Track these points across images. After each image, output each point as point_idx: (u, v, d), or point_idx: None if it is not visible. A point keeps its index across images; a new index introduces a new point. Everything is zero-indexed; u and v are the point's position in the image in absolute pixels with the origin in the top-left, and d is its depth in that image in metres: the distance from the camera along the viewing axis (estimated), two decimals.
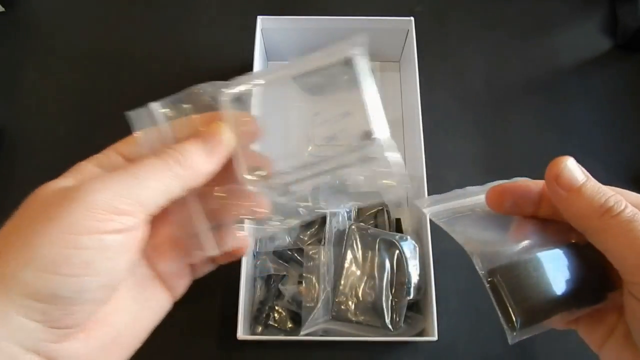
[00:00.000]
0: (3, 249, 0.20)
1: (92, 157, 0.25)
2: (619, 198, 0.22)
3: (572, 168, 0.23)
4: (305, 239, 0.55)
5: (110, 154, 0.25)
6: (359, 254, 0.51)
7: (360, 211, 0.57)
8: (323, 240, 0.53)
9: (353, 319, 0.49)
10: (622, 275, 0.22)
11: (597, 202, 0.22)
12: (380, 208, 0.57)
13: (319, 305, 0.50)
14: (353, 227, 0.52)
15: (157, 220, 0.24)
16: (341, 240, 0.52)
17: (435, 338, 0.48)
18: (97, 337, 0.23)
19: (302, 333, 0.49)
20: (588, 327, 0.26)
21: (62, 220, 0.20)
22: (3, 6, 0.71)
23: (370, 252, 0.51)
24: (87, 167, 0.24)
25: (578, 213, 0.23)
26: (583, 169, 0.24)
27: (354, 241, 0.52)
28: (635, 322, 0.22)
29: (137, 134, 0.25)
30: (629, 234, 0.21)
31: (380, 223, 0.56)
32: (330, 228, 0.53)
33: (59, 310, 0.20)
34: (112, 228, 0.21)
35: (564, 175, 0.23)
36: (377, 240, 0.52)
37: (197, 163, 0.23)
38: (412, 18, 0.60)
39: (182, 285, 0.28)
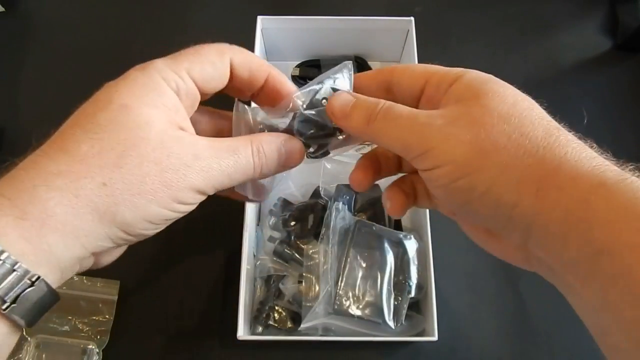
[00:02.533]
0: (117, 190, 0.24)
1: (169, 74, 0.27)
2: (374, 103, 0.27)
3: (339, 99, 0.28)
4: (299, 232, 0.55)
5: (188, 83, 0.27)
6: (363, 251, 0.51)
7: (356, 201, 0.57)
8: (322, 235, 0.53)
9: (354, 313, 0.49)
10: (405, 159, 0.26)
11: (362, 116, 0.27)
12: (378, 196, 0.57)
13: (320, 299, 0.50)
14: (358, 224, 0.52)
15: None
16: (345, 236, 0.52)
17: (435, 338, 0.48)
18: (113, 255, 0.29)
19: (302, 327, 0.49)
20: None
21: (176, 191, 0.25)
22: (3, 6, 0.71)
23: (374, 249, 0.52)
24: (172, 98, 0.26)
25: (357, 130, 0.27)
26: (352, 93, 0.28)
27: (359, 237, 0.52)
28: (427, 185, 0.27)
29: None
30: (388, 129, 0.26)
31: (378, 213, 0.56)
32: (335, 224, 0.53)
33: (132, 240, 0.26)
34: (192, 202, 0.26)
35: (335, 108, 0.28)
36: (381, 238, 0.52)
37: (271, 170, 0.29)
38: (412, 18, 0.60)
39: None
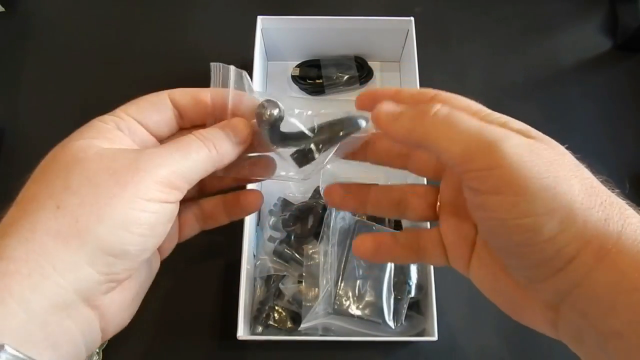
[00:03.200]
0: (72, 206, 0.22)
1: (107, 117, 0.26)
2: (430, 105, 0.24)
3: (384, 105, 0.26)
4: (299, 232, 0.55)
5: (128, 121, 0.26)
6: None
7: None
8: (322, 235, 0.53)
9: (354, 313, 0.49)
10: (455, 170, 0.23)
11: (415, 113, 0.24)
12: None
13: (320, 299, 0.50)
14: (358, 223, 0.52)
15: None
16: (345, 236, 0.52)
17: (435, 338, 0.48)
18: (129, 289, 0.26)
19: (302, 326, 0.49)
20: (452, 249, 0.28)
21: (134, 186, 0.23)
22: (3, 6, 0.71)
23: None
24: (112, 131, 0.26)
25: (408, 131, 0.24)
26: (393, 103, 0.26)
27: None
28: (478, 213, 0.23)
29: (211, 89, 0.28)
30: (450, 130, 0.22)
31: None
32: (335, 224, 0.53)
33: (122, 265, 0.23)
34: (168, 199, 0.24)
35: (382, 113, 0.25)
36: None
37: (227, 151, 0.27)
38: (412, 18, 0.60)
39: (170, 247, 0.31)
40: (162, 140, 0.28)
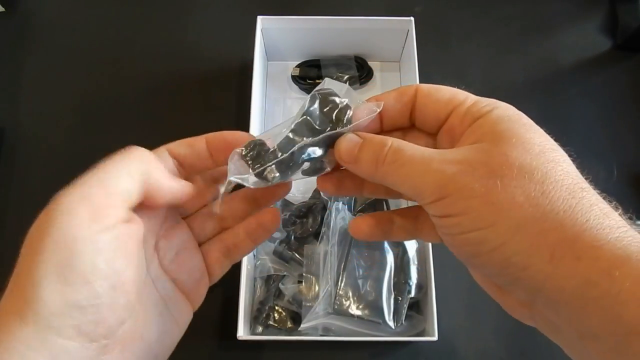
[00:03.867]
0: (17, 274, 0.21)
1: (125, 201, 0.24)
2: (381, 144, 0.25)
3: (345, 143, 0.26)
4: (299, 232, 0.55)
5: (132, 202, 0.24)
6: (363, 251, 0.51)
7: (357, 201, 0.57)
8: (322, 235, 0.53)
9: (354, 313, 0.49)
10: (420, 204, 0.25)
11: (370, 159, 0.25)
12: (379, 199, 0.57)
13: (320, 299, 0.50)
14: None
15: (170, 228, 0.28)
16: (345, 236, 0.52)
17: (435, 338, 0.48)
18: (132, 351, 0.24)
19: (302, 326, 0.49)
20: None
21: (53, 235, 0.21)
22: (3, 6, 0.71)
23: (373, 249, 0.52)
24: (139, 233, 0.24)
25: (367, 175, 0.26)
26: (359, 133, 0.26)
27: None
28: (438, 230, 0.25)
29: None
30: (398, 174, 0.24)
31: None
32: (335, 224, 0.53)
33: (88, 321, 0.21)
34: (99, 228, 0.22)
35: (342, 155, 0.26)
36: None
37: (165, 188, 0.25)
38: (412, 18, 0.60)
39: (201, 293, 0.31)
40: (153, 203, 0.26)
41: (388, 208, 0.57)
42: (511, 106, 0.25)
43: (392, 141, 0.25)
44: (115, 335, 0.23)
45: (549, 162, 0.22)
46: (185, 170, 0.28)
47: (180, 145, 0.28)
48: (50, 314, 0.20)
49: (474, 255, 0.23)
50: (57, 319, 0.20)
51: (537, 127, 0.25)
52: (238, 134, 0.28)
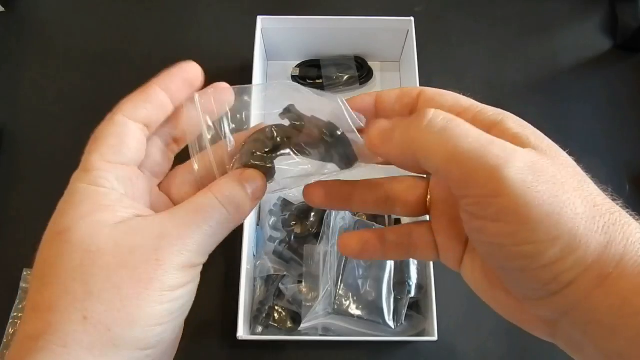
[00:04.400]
0: (100, 314, 0.21)
1: (85, 175, 0.23)
2: (426, 111, 0.22)
3: (376, 127, 0.24)
4: (299, 232, 0.55)
5: (113, 170, 0.24)
6: None
7: None
8: (322, 235, 0.53)
9: (354, 313, 0.49)
10: (453, 191, 0.22)
11: (410, 125, 0.22)
12: None
13: (320, 299, 0.50)
14: (358, 224, 0.52)
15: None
16: None
17: (435, 338, 0.48)
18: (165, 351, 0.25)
19: (302, 326, 0.49)
20: (444, 248, 0.27)
21: (158, 281, 0.22)
22: (3, 6, 0.71)
23: None
24: (106, 195, 0.23)
25: (404, 147, 0.23)
26: (386, 121, 0.24)
27: None
28: (474, 235, 0.22)
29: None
30: (447, 146, 0.21)
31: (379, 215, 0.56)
32: (335, 224, 0.53)
33: (160, 351, 0.23)
34: (189, 280, 0.23)
35: (374, 136, 0.24)
36: None
37: (246, 210, 0.25)
38: (412, 18, 0.60)
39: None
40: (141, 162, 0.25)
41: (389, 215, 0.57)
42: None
43: (434, 112, 0.22)
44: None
45: (584, 176, 0.21)
46: (151, 128, 0.26)
47: (138, 107, 0.25)
48: (135, 349, 0.22)
49: (520, 269, 0.21)
50: (138, 352, 0.22)
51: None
52: (192, 69, 0.26)
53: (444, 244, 0.27)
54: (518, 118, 0.23)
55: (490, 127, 0.23)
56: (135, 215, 0.23)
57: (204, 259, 0.24)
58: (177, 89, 0.26)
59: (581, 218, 0.20)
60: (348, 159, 0.25)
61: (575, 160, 0.23)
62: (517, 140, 0.21)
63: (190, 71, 0.26)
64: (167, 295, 0.22)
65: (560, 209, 0.19)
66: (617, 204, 0.21)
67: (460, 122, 0.21)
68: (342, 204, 0.28)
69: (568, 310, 0.21)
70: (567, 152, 0.23)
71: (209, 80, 0.28)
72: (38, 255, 0.23)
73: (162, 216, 0.23)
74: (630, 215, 0.21)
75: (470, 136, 0.20)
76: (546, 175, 0.20)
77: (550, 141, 0.22)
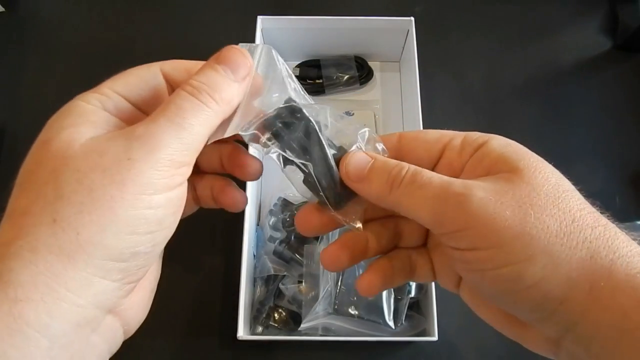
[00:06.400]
0: (69, 217, 0.20)
1: (89, 95, 0.24)
2: (399, 167, 0.23)
3: (355, 160, 0.24)
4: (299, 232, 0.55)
5: (115, 99, 0.24)
6: None
7: None
8: (321, 235, 0.53)
9: (354, 313, 0.49)
10: (433, 232, 0.24)
11: (383, 180, 0.24)
12: None
13: (320, 299, 0.50)
14: None
15: None
16: None
17: (435, 338, 0.48)
18: (144, 288, 0.25)
19: (302, 326, 0.49)
20: (440, 273, 0.27)
21: (135, 182, 0.20)
22: (3, 6, 0.71)
23: None
24: (96, 112, 0.23)
25: (376, 196, 0.24)
26: (369, 153, 0.25)
27: None
28: (459, 266, 0.23)
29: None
30: (416, 197, 0.23)
31: None
32: None
33: (136, 267, 0.22)
34: (177, 182, 0.22)
35: (350, 171, 0.24)
36: None
37: (230, 94, 0.24)
38: (412, 18, 0.60)
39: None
40: (143, 109, 0.25)
41: None
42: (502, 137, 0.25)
43: (407, 165, 0.23)
44: (141, 277, 0.23)
45: (566, 191, 0.22)
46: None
47: (178, 70, 0.25)
48: (106, 258, 0.20)
49: (508, 292, 0.21)
50: (111, 263, 0.20)
51: (537, 155, 0.24)
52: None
53: (440, 269, 0.27)
54: (503, 138, 0.24)
55: (477, 148, 0.24)
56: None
57: (189, 159, 0.22)
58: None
59: (555, 235, 0.20)
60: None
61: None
62: (501, 159, 0.23)
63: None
64: (144, 200, 0.21)
65: (530, 229, 0.20)
66: (606, 216, 0.21)
67: (421, 172, 0.23)
68: (362, 255, 0.28)
69: (569, 327, 0.21)
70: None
71: None
72: (22, 166, 0.23)
73: (136, 124, 0.22)
74: (620, 226, 0.21)
75: (433, 179, 0.22)
76: (512, 199, 0.21)
77: (532, 157, 0.23)
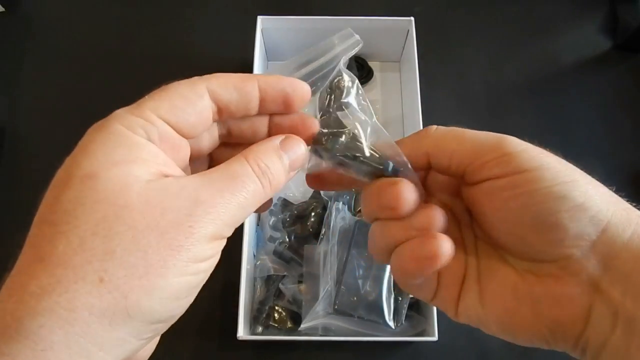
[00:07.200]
0: (118, 279, 0.19)
1: (132, 119, 0.21)
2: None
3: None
4: (299, 232, 0.55)
5: (156, 122, 0.22)
6: (363, 251, 0.51)
7: (357, 201, 0.57)
8: (322, 235, 0.53)
9: (354, 313, 0.49)
10: (469, 169, 0.24)
11: (414, 135, 0.25)
12: None
13: (320, 299, 0.50)
14: (358, 223, 0.52)
15: None
16: (345, 236, 0.52)
17: (435, 338, 0.48)
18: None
19: (302, 326, 0.49)
20: (440, 297, 0.26)
21: (189, 251, 0.20)
22: (3, 6, 0.71)
23: None
24: (145, 147, 0.21)
25: (415, 147, 0.25)
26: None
27: (360, 237, 0.52)
28: (503, 194, 0.23)
29: None
30: (448, 137, 0.24)
31: None
32: (335, 224, 0.53)
33: (166, 327, 0.21)
34: (214, 253, 0.22)
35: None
36: None
37: (283, 183, 0.24)
38: (412, 18, 0.60)
39: None
40: (188, 134, 0.23)
41: None
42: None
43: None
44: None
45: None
46: (221, 116, 0.24)
47: (227, 88, 0.23)
48: (147, 322, 0.20)
49: (556, 211, 0.22)
50: (149, 325, 0.20)
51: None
52: (299, 86, 0.25)
53: (445, 280, 0.26)
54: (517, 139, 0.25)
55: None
56: (168, 175, 0.21)
57: (231, 233, 0.22)
58: (274, 98, 0.24)
59: (590, 180, 0.22)
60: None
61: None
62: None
63: (297, 91, 0.25)
64: (192, 267, 0.20)
65: (566, 164, 0.23)
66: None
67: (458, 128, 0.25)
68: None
69: (609, 263, 0.21)
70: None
71: None
72: (50, 194, 0.20)
73: (196, 179, 0.21)
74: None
75: (470, 130, 0.24)
76: (543, 150, 0.23)
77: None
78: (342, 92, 0.26)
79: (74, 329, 0.18)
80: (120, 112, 0.22)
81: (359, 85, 0.27)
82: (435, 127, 0.25)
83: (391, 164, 0.25)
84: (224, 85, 0.23)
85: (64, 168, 0.21)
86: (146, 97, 0.23)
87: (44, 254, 0.19)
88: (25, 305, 0.18)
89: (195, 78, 0.24)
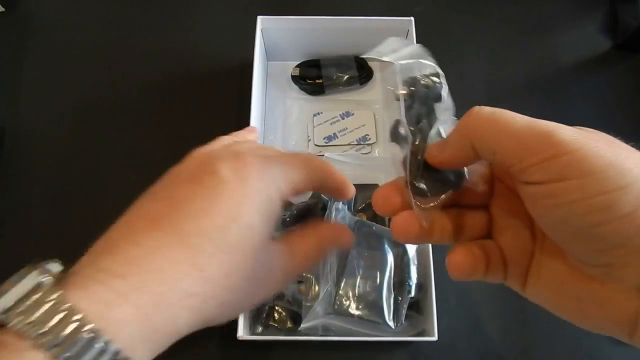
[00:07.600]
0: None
1: (271, 185, 0.26)
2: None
3: (434, 144, 0.26)
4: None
5: (288, 196, 0.27)
6: (363, 251, 0.51)
7: (357, 201, 0.57)
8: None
9: (354, 313, 0.49)
10: (511, 169, 0.22)
11: (463, 120, 0.25)
12: None
13: (320, 299, 0.50)
14: (358, 223, 0.52)
15: None
16: None
17: (435, 338, 0.48)
18: None
19: (302, 326, 0.49)
20: (512, 262, 0.26)
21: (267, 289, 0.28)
22: (3, 6, 0.71)
23: (374, 249, 0.52)
24: (276, 212, 0.27)
25: (462, 137, 0.25)
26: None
27: (359, 237, 0.52)
28: (544, 202, 0.22)
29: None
30: (491, 126, 0.23)
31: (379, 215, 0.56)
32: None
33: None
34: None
35: (432, 149, 0.26)
36: (381, 238, 0.52)
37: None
38: (412, 18, 0.60)
39: None
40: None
41: None
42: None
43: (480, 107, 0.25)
44: None
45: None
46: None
47: (293, 175, 0.28)
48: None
49: (598, 224, 0.20)
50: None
51: None
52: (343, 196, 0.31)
53: (512, 256, 0.26)
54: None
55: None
56: (271, 237, 0.26)
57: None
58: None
59: None
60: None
61: None
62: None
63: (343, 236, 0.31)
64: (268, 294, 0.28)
65: (623, 160, 0.20)
66: None
67: (504, 110, 0.23)
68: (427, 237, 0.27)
69: None
70: None
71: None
72: (218, 216, 0.24)
73: (277, 246, 0.28)
74: None
75: (517, 116, 0.23)
76: (598, 138, 0.21)
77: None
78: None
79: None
80: (256, 174, 0.26)
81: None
82: (477, 111, 0.24)
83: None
84: (322, 180, 0.30)
85: (224, 204, 0.25)
86: (273, 159, 0.28)
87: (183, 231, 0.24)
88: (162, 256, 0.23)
89: (308, 156, 0.30)
